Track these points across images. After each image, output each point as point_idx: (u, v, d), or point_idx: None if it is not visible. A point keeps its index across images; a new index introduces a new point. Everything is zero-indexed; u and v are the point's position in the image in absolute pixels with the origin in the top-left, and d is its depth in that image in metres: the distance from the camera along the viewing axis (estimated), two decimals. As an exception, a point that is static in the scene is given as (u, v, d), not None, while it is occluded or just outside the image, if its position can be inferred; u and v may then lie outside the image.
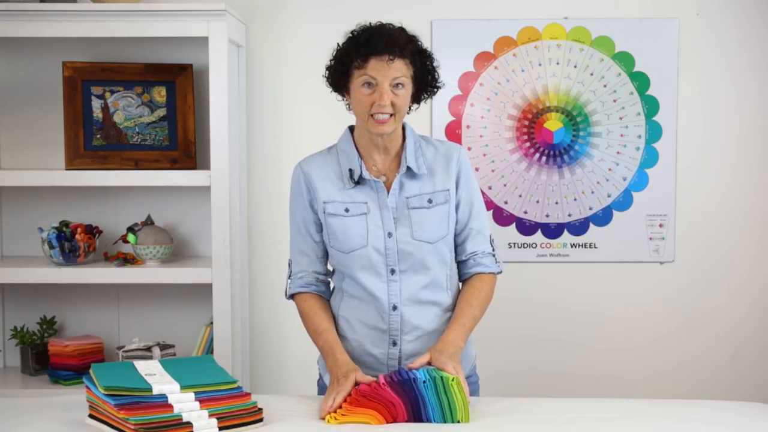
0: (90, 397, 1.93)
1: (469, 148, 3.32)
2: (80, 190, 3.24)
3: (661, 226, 3.33)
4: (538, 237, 3.35)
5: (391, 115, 2.12)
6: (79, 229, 3.07)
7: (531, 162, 3.33)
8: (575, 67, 3.30)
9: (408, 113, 2.21)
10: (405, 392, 1.97)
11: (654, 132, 3.31)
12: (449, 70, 3.28)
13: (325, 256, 2.28)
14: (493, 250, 2.27)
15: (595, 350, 3.37)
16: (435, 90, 2.24)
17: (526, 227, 3.35)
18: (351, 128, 2.26)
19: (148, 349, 3.03)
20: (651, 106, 3.30)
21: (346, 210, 2.18)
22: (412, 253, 2.17)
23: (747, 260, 3.36)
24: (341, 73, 2.16)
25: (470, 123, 3.32)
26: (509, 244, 3.35)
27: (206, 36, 2.93)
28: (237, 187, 3.14)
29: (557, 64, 3.30)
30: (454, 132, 3.32)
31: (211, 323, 3.05)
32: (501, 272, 2.27)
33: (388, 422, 1.96)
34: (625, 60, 3.29)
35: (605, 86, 3.30)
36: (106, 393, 1.84)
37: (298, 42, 3.30)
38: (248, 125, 3.30)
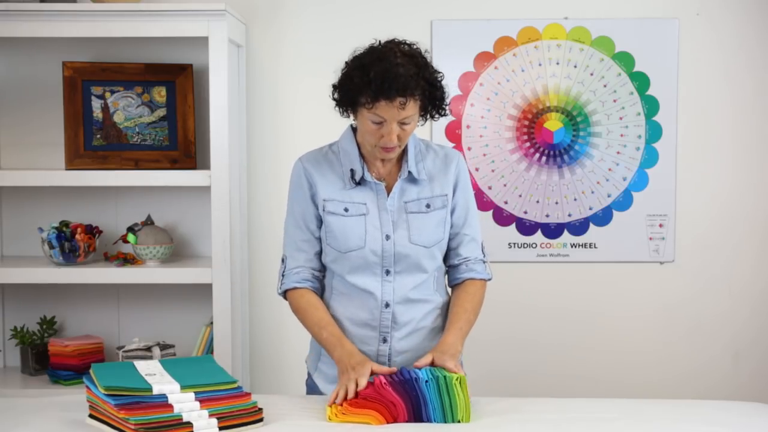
0: (90, 397, 1.93)
1: (469, 148, 3.32)
2: (80, 190, 3.24)
3: (661, 226, 3.33)
4: (538, 237, 3.35)
5: (397, 146, 2.12)
6: (79, 229, 3.07)
7: (531, 162, 3.33)
8: (575, 67, 3.30)
9: None
10: (406, 392, 1.97)
11: (654, 132, 3.31)
12: (449, 70, 3.26)
13: (321, 251, 2.26)
14: (484, 256, 2.30)
15: (595, 350, 3.37)
16: (440, 115, 2.19)
17: (526, 227, 3.35)
18: (353, 127, 2.26)
19: (148, 349, 3.03)
20: (651, 106, 3.30)
21: (346, 210, 2.18)
22: (408, 256, 2.18)
23: (748, 259, 3.36)
24: (348, 103, 2.13)
25: (470, 123, 3.32)
26: (509, 244, 3.35)
27: (206, 36, 2.93)
28: (237, 187, 3.14)
29: (557, 64, 3.30)
30: (454, 132, 3.32)
31: (211, 323, 3.05)
32: (491, 279, 2.30)
33: (388, 422, 1.96)
34: (625, 60, 3.29)
35: (605, 86, 3.30)
36: (106, 393, 1.84)
37: (298, 42, 3.30)
38: (248, 125, 3.30)
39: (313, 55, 3.27)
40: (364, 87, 2.05)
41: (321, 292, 2.28)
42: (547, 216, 3.35)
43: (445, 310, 2.28)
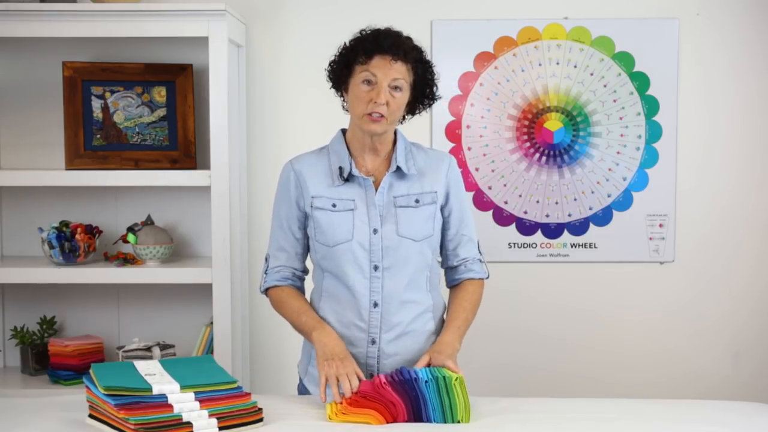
0: (90, 397, 1.93)
1: (469, 148, 3.32)
2: (80, 190, 3.24)
3: (661, 226, 3.33)
4: (538, 237, 3.35)
5: (384, 116, 2.14)
6: (79, 229, 3.07)
7: (531, 162, 3.33)
8: (575, 67, 3.30)
9: (402, 123, 2.26)
10: (406, 392, 1.97)
11: (654, 132, 3.31)
12: (449, 70, 3.28)
13: (304, 253, 2.30)
14: (481, 255, 2.33)
15: (595, 350, 3.37)
16: (431, 102, 2.27)
17: (526, 227, 3.35)
18: (343, 131, 2.29)
19: (148, 349, 3.03)
20: (651, 106, 3.30)
21: (333, 205, 2.20)
22: (396, 249, 2.19)
23: (748, 260, 3.36)
24: (344, 67, 2.18)
25: (470, 123, 3.32)
26: (509, 244, 3.35)
27: (206, 36, 2.93)
28: (237, 187, 3.14)
29: (557, 64, 3.30)
30: (454, 132, 3.32)
31: (211, 323, 3.05)
32: (488, 277, 2.33)
33: (388, 422, 1.96)
34: (625, 60, 3.29)
35: (605, 86, 3.30)
36: (106, 393, 1.84)
37: (298, 42, 3.30)
38: (248, 125, 3.30)
39: (313, 55, 3.26)
40: (359, 45, 2.15)
41: (303, 291, 2.33)
42: (547, 216, 3.35)
43: (438, 314, 2.30)
